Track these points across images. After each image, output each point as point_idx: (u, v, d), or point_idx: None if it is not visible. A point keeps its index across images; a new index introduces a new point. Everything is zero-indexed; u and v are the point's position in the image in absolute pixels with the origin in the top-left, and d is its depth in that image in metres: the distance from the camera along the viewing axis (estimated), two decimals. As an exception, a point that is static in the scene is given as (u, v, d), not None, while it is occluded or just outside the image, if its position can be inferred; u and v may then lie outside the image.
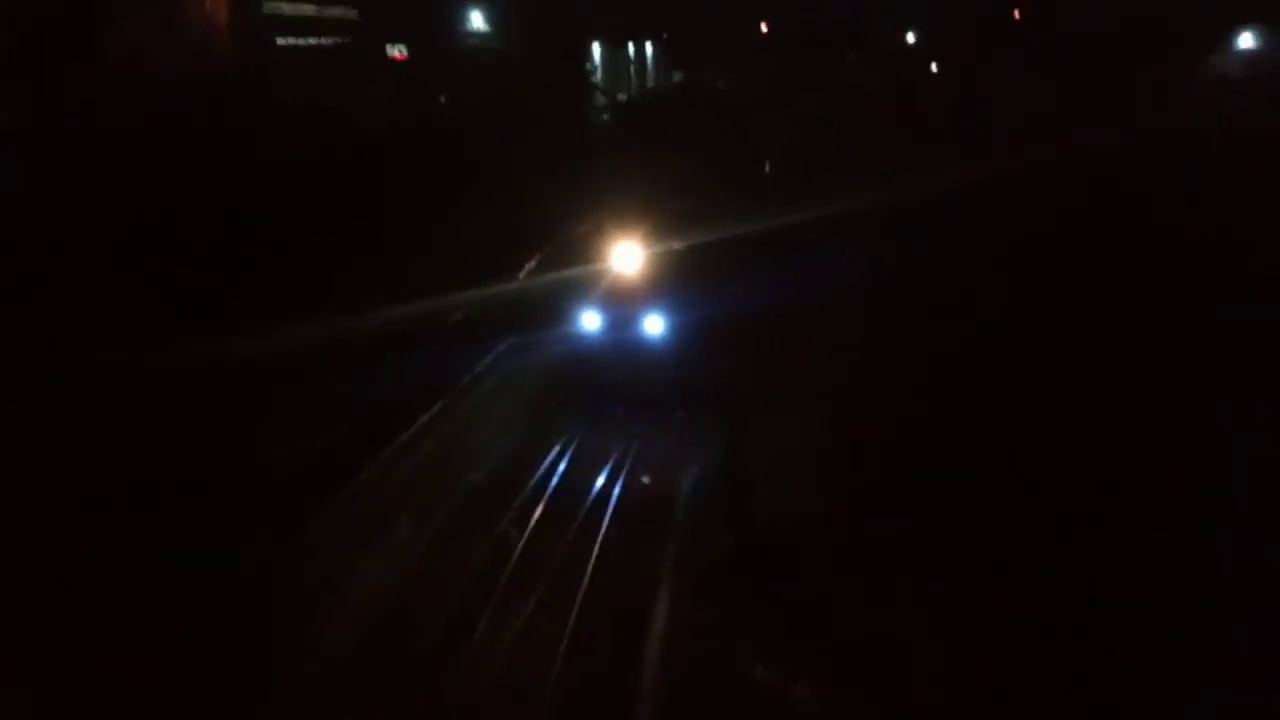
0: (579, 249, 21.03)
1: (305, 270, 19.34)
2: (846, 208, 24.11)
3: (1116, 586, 10.19)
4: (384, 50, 42.29)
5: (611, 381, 16.95)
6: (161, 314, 16.40)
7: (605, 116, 45.85)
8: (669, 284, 17.93)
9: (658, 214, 21.60)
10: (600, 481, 13.80)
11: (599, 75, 50.50)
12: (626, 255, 18.22)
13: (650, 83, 53.81)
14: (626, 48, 51.78)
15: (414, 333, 18.01)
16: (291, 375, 15.44)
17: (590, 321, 17.65)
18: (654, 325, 17.47)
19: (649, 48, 53.33)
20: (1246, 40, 44.51)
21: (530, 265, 23.10)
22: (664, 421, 15.66)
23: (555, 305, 18.43)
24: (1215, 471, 11.91)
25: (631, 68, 52.82)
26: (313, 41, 39.20)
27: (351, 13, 40.70)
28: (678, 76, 52.91)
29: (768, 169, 35.45)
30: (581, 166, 29.77)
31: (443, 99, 42.54)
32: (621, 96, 49.87)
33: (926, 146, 33.74)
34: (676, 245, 19.14)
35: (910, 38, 55.66)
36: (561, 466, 14.30)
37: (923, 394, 15.21)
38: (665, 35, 50.93)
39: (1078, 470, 12.48)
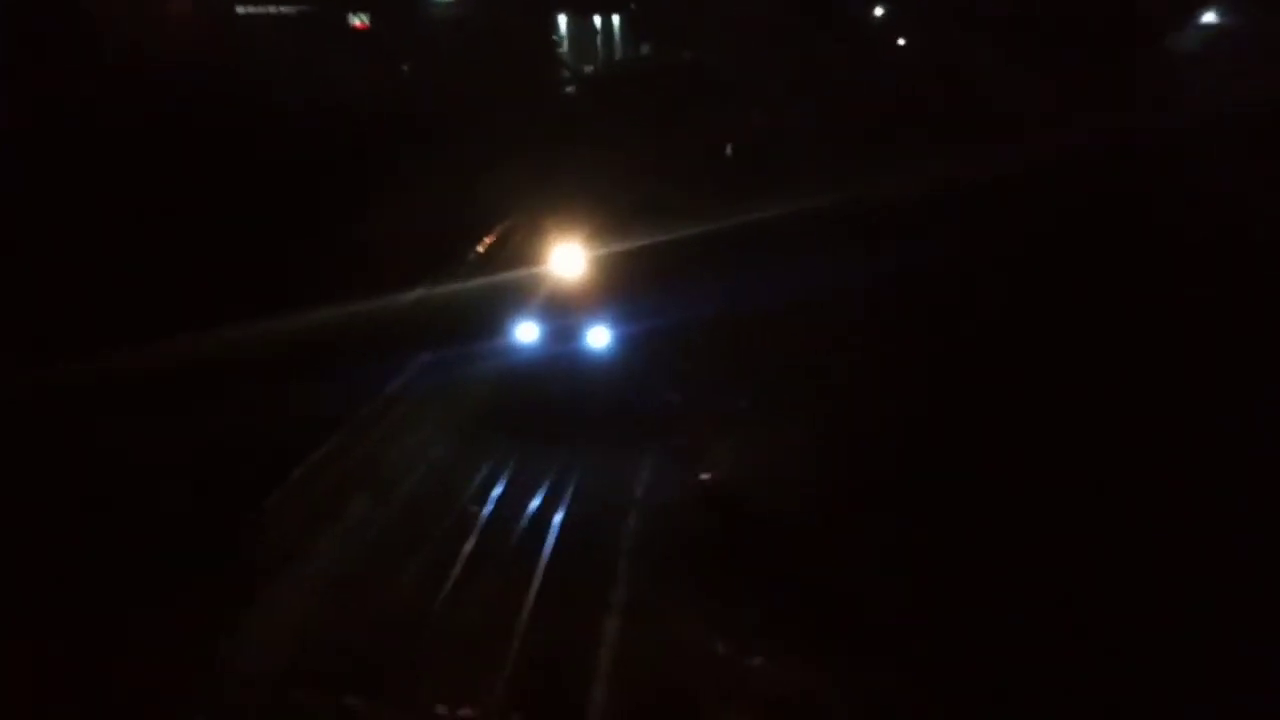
0: (518, 246, 19.12)
1: (211, 263, 17.22)
2: (812, 200, 22.58)
3: (1116, 586, 10.23)
4: (345, 19, 41.44)
5: (549, 404, 15.08)
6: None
7: (570, 90, 45.19)
8: (616, 290, 16.14)
9: (608, 206, 19.96)
10: (532, 530, 12.50)
11: (565, 47, 49.77)
12: (570, 256, 16.39)
13: (618, 55, 53.15)
14: (593, 19, 51.05)
15: (314, 344, 15.47)
16: (162, 396, 13.10)
17: (526, 333, 15.79)
18: (599, 338, 15.74)
19: (616, 20, 52.63)
20: (1209, 16, 44.52)
21: (462, 264, 20.87)
22: (612, 450, 13.90)
23: (487, 312, 16.35)
24: (1215, 471, 11.96)
25: (599, 40, 52.13)
26: (273, 10, 38.40)
27: (313, -19, 39.87)
28: (646, 50, 52.29)
29: (730, 152, 33.96)
30: (536, 146, 28.37)
31: (405, 68, 41.78)
32: (588, 69, 49.21)
33: (896, 127, 32.63)
34: (625, 245, 17.40)
35: (878, 10, 55.38)
36: (486, 511, 12.85)
37: (911, 405, 14.44)
38: (632, 6, 50.28)
39: (1078, 474, 12.46)
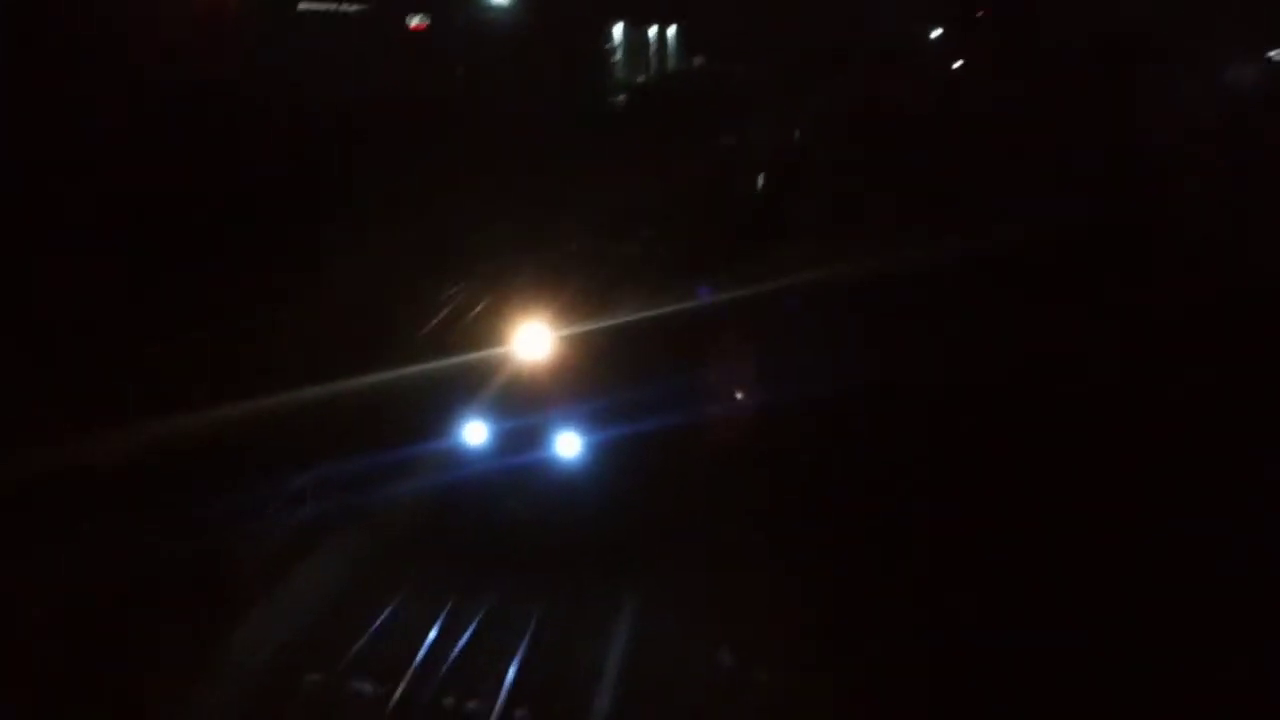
0: (483, 313, 15.90)
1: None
2: (838, 257, 19.41)
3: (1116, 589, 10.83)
4: (403, 19, 42.48)
5: (500, 530, 11.75)
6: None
7: (620, 98, 45.78)
8: (592, 380, 12.72)
9: (604, 258, 17.39)
10: None
11: (619, 55, 50.40)
12: (536, 336, 12.88)
13: (670, 66, 53.67)
14: (647, 30, 51.64)
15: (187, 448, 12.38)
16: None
17: (474, 435, 12.41)
18: (567, 444, 12.36)
19: (671, 32, 53.16)
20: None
21: (408, 341, 17.20)
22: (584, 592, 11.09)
23: (424, 406, 12.95)
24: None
25: (651, 51, 52.70)
26: (333, 8, 39.49)
27: (373, -20, 40.98)
28: (698, 61, 52.70)
29: (760, 185, 31.01)
30: (567, 161, 27.42)
31: (460, 71, 42.71)
32: (640, 79, 49.79)
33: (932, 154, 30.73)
34: (608, 320, 14.03)
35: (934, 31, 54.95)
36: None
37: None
38: (685, 19, 50.84)
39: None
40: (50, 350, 14.53)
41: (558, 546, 11.75)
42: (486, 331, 14.49)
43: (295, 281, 17.25)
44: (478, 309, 17.65)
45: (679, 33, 52.98)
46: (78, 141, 19.59)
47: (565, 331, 13.45)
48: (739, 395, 15.06)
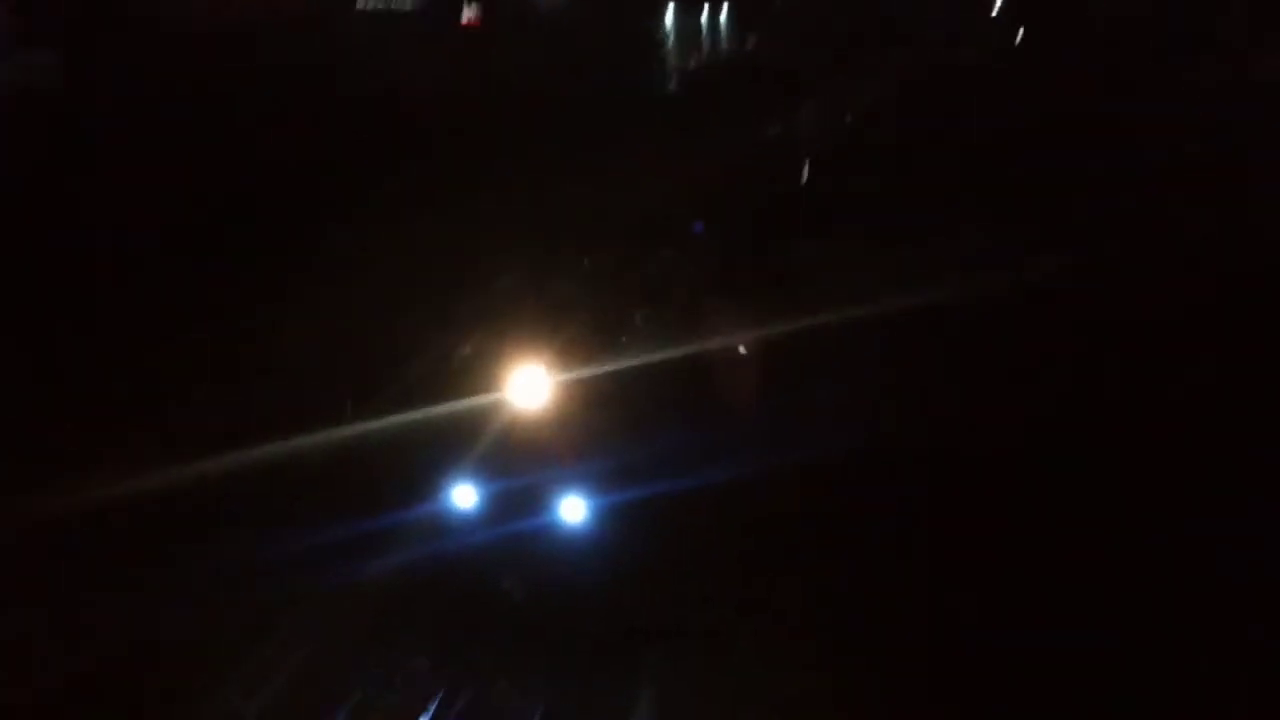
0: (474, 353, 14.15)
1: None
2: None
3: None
4: (458, 13, 43.01)
5: (493, 613, 10.20)
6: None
7: (672, 85, 45.79)
8: (603, 431, 11.13)
9: (628, 277, 15.80)
10: None
11: (671, 41, 50.30)
12: (535, 377, 11.27)
13: (724, 48, 53.35)
14: (701, 14, 51.38)
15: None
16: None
17: (461, 499, 11.15)
18: (573, 509, 11.02)
19: (724, 12, 52.81)
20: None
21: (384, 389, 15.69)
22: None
23: (404, 461, 11.40)
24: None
25: (704, 33, 52.43)
26: (386, 6, 40.23)
27: (427, -24, 41.59)
28: (751, 43, 52.26)
29: (805, 177, 29.55)
30: (602, 158, 27.26)
31: (514, 62, 43.14)
32: (692, 63, 49.63)
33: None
34: (621, 359, 12.07)
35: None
36: None
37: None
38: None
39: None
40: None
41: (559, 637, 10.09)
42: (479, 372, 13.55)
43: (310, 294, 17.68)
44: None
45: (731, 14, 52.60)
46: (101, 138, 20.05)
47: (569, 370, 12.00)
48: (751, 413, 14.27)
